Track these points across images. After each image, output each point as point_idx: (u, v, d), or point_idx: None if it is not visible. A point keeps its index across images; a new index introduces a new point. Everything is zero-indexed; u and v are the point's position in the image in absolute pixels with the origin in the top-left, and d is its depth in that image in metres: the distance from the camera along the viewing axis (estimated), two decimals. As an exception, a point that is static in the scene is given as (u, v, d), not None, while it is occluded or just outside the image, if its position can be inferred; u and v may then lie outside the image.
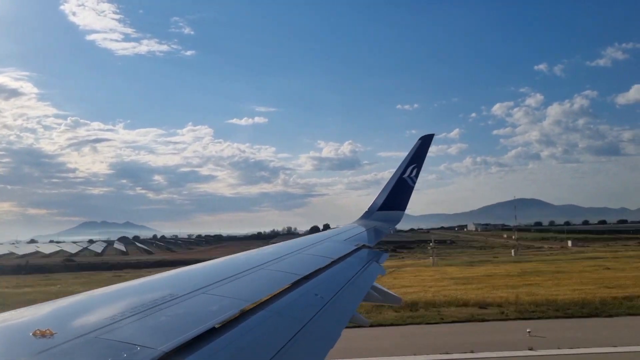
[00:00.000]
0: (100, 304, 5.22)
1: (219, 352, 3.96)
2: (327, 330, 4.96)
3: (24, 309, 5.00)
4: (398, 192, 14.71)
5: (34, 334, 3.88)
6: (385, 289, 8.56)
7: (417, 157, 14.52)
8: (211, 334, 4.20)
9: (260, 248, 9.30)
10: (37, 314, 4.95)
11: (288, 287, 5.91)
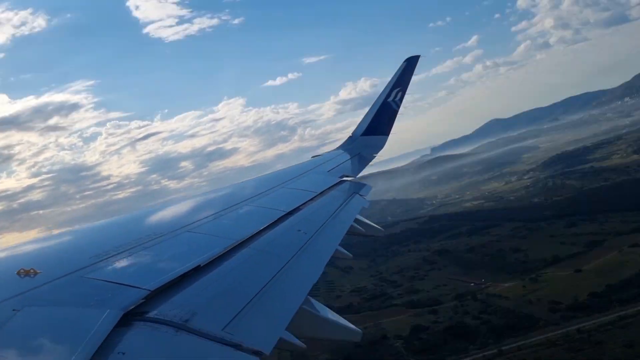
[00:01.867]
0: (85, 242, 5.24)
1: (204, 290, 4.04)
2: (309, 267, 5.06)
3: (7, 247, 5.01)
4: (382, 117, 14.47)
5: (18, 273, 3.90)
6: (368, 221, 8.68)
7: (402, 80, 14.27)
8: (196, 272, 4.26)
9: (244, 181, 9.30)
10: (20, 252, 4.96)
11: (271, 224, 5.96)
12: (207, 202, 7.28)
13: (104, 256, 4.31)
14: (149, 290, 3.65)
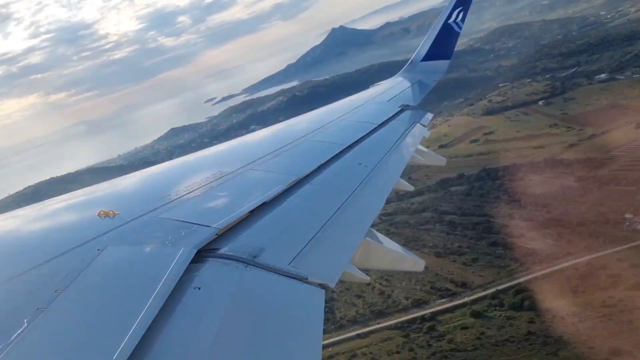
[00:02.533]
0: (157, 183, 5.52)
1: (270, 226, 4.21)
2: (371, 200, 5.13)
3: (88, 189, 5.36)
4: (443, 40, 13.77)
5: (99, 215, 4.20)
6: (429, 151, 8.58)
7: None
8: (262, 209, 4.43)
9: (304, 115, 9.33)
10: (101, 193, 5.30)
11: (332, 157, 6.02)
12: (268, 138, 7.41)
13: (175, 196, 4.54)
14: (219, 228, 3.85)
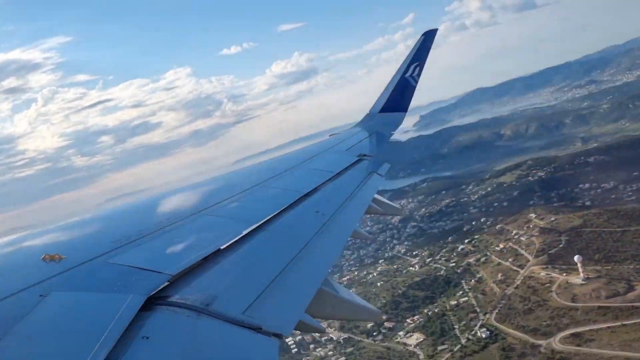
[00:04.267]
0: (107, 227, 5.33)
1: (224, 274, 4.11)
2: (328, 248, 5.10)
3: (32, 232, 5.12)
4: (400, 93, 14.21)
5: (44, 259, 4.00)
6: (387, 201, 8.71)
7: (420, 54, 13.92)
8: (216, 255, 4.32)
9: (261, 162, 9.34)
10: (46, 236, 5.07)
11: (289, 205, 6.00)
12: (224, 185, 7.32)
13: (126, 241, 4.39)
14: (171, 274, 3.72)
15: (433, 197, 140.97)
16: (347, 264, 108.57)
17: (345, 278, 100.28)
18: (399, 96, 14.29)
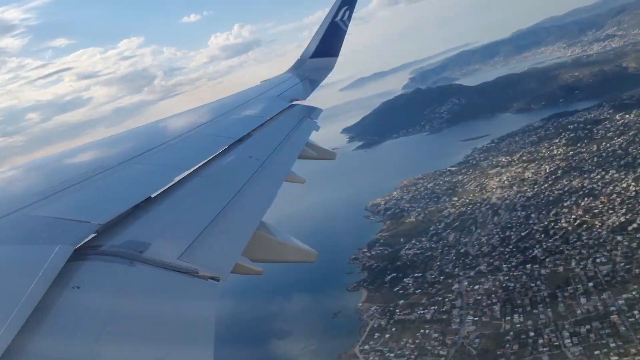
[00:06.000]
0: (29, 178, 5.05)
1: (157, 221, 4.01)
2: (263, 192, 5.08)
3: None
4: (330, 38, 14.10)
5: None
6: (320, 145, 8.69)
7: None
8: (148, 203, 4.20)
9: (191, 109, 9.06)
10: None
11: (222, 151, 5.89)
12: (154, 133, 7.07)
13: (51, 192, 4.18)
14: (100, 223, 3.59)
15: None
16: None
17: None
18: (329, 41, 14.14)
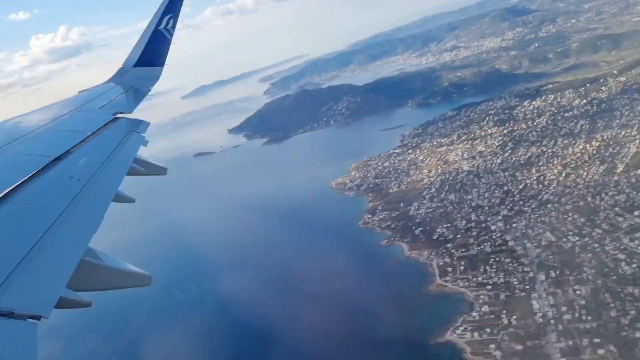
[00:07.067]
0: None
1: None
2: (87, 216, 4.68)
3: None
4: (154, 46, 13.47)
5: None
6: (150, 160, 8.28)
7: (173, 5, 13.36)
8: None
9: None
10: None
11: (38, 172, 5.30)
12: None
13: None
14: None
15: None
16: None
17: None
18: (154, 49, 13.58)
